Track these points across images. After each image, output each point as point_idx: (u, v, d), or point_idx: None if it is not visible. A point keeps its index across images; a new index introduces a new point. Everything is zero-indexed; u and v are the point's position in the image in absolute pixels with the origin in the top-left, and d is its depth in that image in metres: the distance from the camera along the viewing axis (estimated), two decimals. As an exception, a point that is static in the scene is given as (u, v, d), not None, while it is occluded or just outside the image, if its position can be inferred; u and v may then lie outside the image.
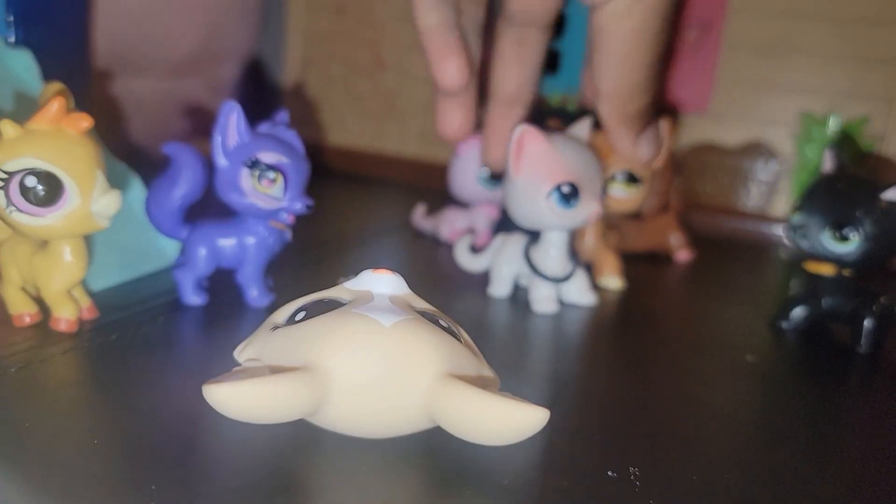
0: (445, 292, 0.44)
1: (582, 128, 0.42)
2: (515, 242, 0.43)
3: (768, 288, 0.54)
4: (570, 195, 0.39)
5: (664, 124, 0.45)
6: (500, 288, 0.44)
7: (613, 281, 0.47)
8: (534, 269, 0.42)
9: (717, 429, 0.30)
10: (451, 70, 0.39)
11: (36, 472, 0.23)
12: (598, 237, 0.48)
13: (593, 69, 0.37)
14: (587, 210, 0.39)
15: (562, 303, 0.43)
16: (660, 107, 0.67)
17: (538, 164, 0.39)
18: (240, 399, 0.23)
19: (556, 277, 0.42)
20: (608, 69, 0.35)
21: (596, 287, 0.46)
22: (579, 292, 0.43)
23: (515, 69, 0.40)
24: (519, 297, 0.44)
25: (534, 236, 0.43)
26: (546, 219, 0.40)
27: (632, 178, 0.46)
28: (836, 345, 0.41)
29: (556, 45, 0.69)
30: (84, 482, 0.22)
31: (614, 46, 0.34)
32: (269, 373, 0.23)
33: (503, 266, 0.44)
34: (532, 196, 0.39)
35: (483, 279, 0.45)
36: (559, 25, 0.69)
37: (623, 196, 0.47)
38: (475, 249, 0.49)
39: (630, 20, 0.33)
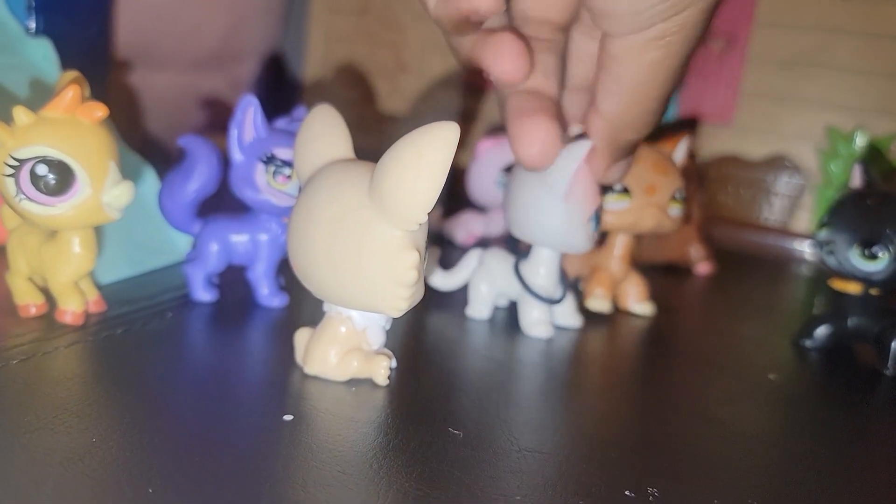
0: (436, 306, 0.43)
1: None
2: (496, 260, 0.40)
3: (790, 304, 0.53)
4: (598, 219, 0.37)
5: (682, 144, 0.44)
6: (479, 309, 0.40)
7: (642, 307, 0.45)
8: (528, 289, 0.38)
9: (739, 449, 0.29)
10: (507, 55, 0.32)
11: (32, 468, 0.22)
12: (626, 258, 0.45)
13: (596, 87, 0.34)
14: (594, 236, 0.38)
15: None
16: (681, 118, 0.67)
17: (586, 188, 0.35)
18: None
19: (551, 299, 0.39)
20: (614, 95, 0.32)
21: (626, 312, 0.45)
22: (567, 314, 0.40)
23: (539, 57, 0.37)
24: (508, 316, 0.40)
25: (523, 254, 0.39)
26: (580, 241, 0.36)
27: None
28: (861, 366, 0.39)
29: None
30: (80, 481, 0.22)
31: (626, 76, 0.32)
32: None
33: (482, 285, 0.40)
34: (576, 218, 0.36)
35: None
36: None
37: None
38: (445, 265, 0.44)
39: (648, 54, 0.31)
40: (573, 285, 0.41)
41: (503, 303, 0.42)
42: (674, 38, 0.29)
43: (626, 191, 0.42)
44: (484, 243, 0.46)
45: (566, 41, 0.35)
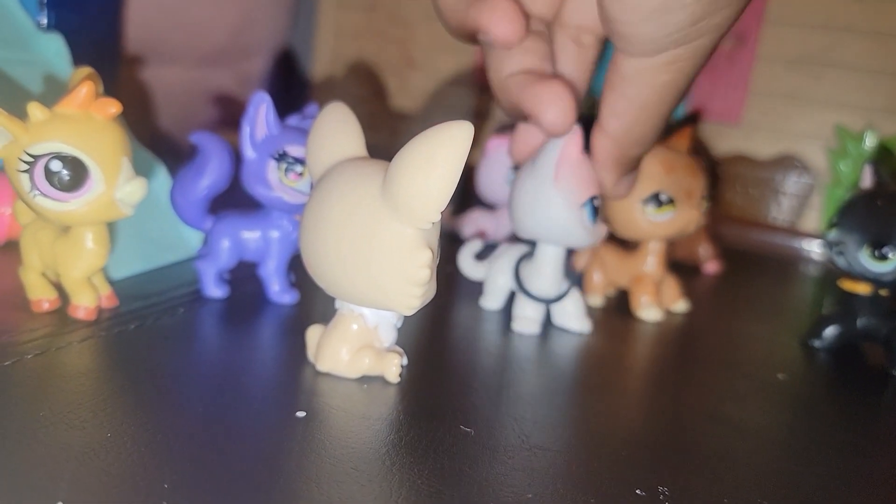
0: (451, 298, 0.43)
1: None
2: (513, 253, 0.41)
3: (798, 304, 0.53)
4: (598, 209, 0.36)
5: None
6: (493, 300, 0.41)
7: (678, 305, 0.46)
8: (521, 285, 0.39)
9: (748, 449, 0.29)
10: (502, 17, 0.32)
11: (47, 463, 0.22)
12: (661, 261, 0.45)
13: (602, 105, 0.34)
14: (601, 229, 0.37)
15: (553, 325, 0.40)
16: (688, 116, 0.67)
17: (575, 173, 0.36)
18: None
19: (545, 297, 0.39)
20: (621, 113, 0.33)
21: (665, 312, 0.45)
22: (574, 318, 0.39)
23: (570, 66, 0.38)
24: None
25: (528, 252, 0.40)
26: (576, 230, 0.36)
27: (670, 201, 0.42)
28: (870, 366, 0.39)
29: None
30: (94, 477, 0.22)
31: (635, 95, 0.32)
32: None
33: (499, 277, 0.41)
34: (565, 206, 0.36)
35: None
36: None
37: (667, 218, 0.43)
38: (481, 256, 0.46)
39: (660, 77, 0.31)
40: (577, 283, 0.40)
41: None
42: (685, 63, 0.30)
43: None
44: (461, 243, 0.46)
45: (601, 47, 0.36)
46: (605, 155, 0.35)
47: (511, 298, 0.41)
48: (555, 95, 0.33)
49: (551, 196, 0.36)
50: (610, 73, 0.32)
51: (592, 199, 0.36)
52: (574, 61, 0.37)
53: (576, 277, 0.40)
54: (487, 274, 0.42)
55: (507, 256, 0.41)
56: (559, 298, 0.39)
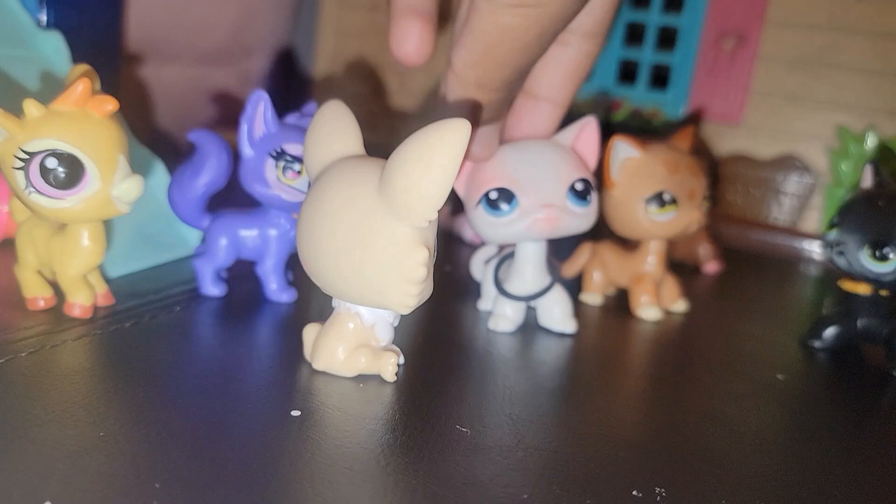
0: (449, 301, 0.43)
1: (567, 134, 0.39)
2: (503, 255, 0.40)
3: (798, 304, 0.53)
4: (497, 200, 0.36)
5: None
6: (489, 302, 0.41)
7: (678, 305, 0.45)
8: (498, 285, 0.38)
9: (747, 450, 0.29)
10: None
11: (39, 461, 0.22)
12: (662, 261, 0.45)
13: (455, 38, 0.33)
14: (525, 220, 0.36)
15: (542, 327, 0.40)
16: (689, 116, 0.66)
17: (468, 174, 0.37)
18: None
19: (524, 296, 0.38)
20: (465, 48, 0.31)
21: (665, 312, 0.45)
22: (560, 319, 0.39)
23: (550, 67, 0.38)
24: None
25: (509, 254, 0.40)
26: (479, 227, 0.37)
27: (673, 201, 0.42)
28: (870, 367, 0.39)
29: (667, 59, 0.68)
30: (86, 475, 0.22)
31: (478, 32, 0.31)
32: None
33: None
34: (467, 207, 0.37)
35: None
36: (671, 39, 0.67)
37: (669, 218, 0.42)
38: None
39: (504, 18, 0.30)
40: (560, 280, 0.40)
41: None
42: (531, 10, 0.29)
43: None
44: (460, 242, 0.46)
45: None
46: (449, 92, 0.34)
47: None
48: (409, 29, 0.33)
49: (470, 209, 0.37)
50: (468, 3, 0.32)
51: (487, 192, 0.36)
52: (558, 62, 0.36)
53: (558, 274, 0.39)
54: (483, 276, 0.41)
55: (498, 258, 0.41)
56: (539, 295, 0.38)
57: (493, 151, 0.37)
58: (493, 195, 0.36)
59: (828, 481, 0.27)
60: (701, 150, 0.67)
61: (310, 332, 0.32)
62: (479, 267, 0.44)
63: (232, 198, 0.38)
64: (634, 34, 0.68)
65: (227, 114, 0.74)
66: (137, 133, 0.45)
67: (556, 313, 0.39)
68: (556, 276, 0.39)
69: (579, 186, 0.36)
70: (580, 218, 0.36)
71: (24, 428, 0.24)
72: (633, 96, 0.69)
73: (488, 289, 0.41)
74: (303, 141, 0.35)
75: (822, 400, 0.35)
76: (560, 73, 0.38)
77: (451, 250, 0.53)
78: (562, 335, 0.39)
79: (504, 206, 0.36)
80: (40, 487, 0.21)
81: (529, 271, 0.38)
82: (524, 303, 0.39)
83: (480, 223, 0.37)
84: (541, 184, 0.36)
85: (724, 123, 0.67)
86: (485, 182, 0.36)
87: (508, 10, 0.29)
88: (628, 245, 0.46)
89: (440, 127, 0.26)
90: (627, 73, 0.69)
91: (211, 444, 0.24)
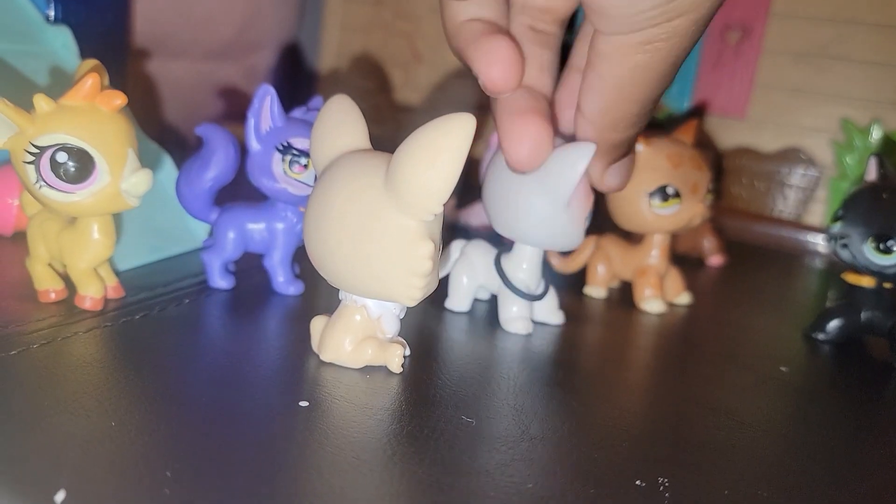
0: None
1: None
2: (478, 252, 0.39)
3: (802, 297, 0.53)
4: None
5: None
6: (459, 301, 0.40)
7: (681, 298, 0.46)
8: (508, 283, 0.37)
9: (749, 440, 0.29)
10: (498, 65, 0.32)
11: (52, 450, 0.22)
12: (665, 254, 0.45)
13: (582, 86, 0.32)
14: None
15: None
16: (693, 109, 0.67)
17: (584, 189, 0.35)
18: None
19: (531, 294, 0.38)
20: (596, 94, 0.31)
21: (669, 304, 0.45)
22: (548, 311, 0.39)
23: (535, 50, 0.35)
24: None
25: (505, 248, 0.39)
26: (573, 241, 0.36)
27: (676, 194, 0.42)
28: (873, 359, 0.39)
29: None
30: (98, 465, 0.22)
31: (610, 76, 0.30)
32: None
33: (463, 277, 0.39)
34: (576, 221, 0.35)
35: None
36: None
37: (671, 212, 0.43)
38: None
39: (634, 57, 0.29)
40: (554, 281, 0.40)
41: (484, 295, 0.41)
42: (662, 44, 0.29)
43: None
44: (467, 234, 0.44)
45: (563, 35, 0.35)
46: (585, 136, 0.34)
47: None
48: (501, 53, 0.31)
49: (562, 216, 0.35)
50: (589, 50, 0.31)
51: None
52: (531, 48, 0.36)
53: (552, 273, 0.39)
54: (452, 274, 0.40)
55: (471, 255, 0.39)
56: (544, 295, 0.38)
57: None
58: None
59: (831, 473, 0.27)
60: (705, 144, 0.67)
61: (317, 324, 0.32)
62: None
63: (239, 191, 0.38)
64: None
65: (234, 108, 0.74)
66: (146, 127, 0.45)
67: (548, 307, 0.39)
68: (551, 275, 0.39)
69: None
70: None
71: (36, 418, 0.24)
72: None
73: (457, 287, 0.40)
74: (309, 135, 0.35)
75: (825, 392, 0.35)
76: (545, 57, 0.37)
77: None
78: (568, 327, 0.39)
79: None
80: (53, 476, 0.21)
81: (525, 268, 0.38)
82: (529, 301, 0.38)
83: (578, 235, 0.36)
84: None
85: (728, 116, 0.67)
86: (589, 197, 0.35)
87: (640, 49, 0.29)
88: (632, 238, 0.46)
89: (446, 121, 0.26)
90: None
91: (220, 434, 0.24)
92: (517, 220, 0.35)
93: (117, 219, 0.34)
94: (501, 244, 0.39)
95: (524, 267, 0.37)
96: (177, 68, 0.69)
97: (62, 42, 0.45)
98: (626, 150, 0.34)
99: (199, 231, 0.44)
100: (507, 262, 0.38)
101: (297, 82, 0.83)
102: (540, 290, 0.38)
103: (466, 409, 0.28)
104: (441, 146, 0.26)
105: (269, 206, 0.38)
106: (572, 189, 0.34)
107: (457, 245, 0.40)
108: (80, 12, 0.50)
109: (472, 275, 0.39)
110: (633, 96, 0.31)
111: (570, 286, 0.45)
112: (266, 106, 0.36)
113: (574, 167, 0.33)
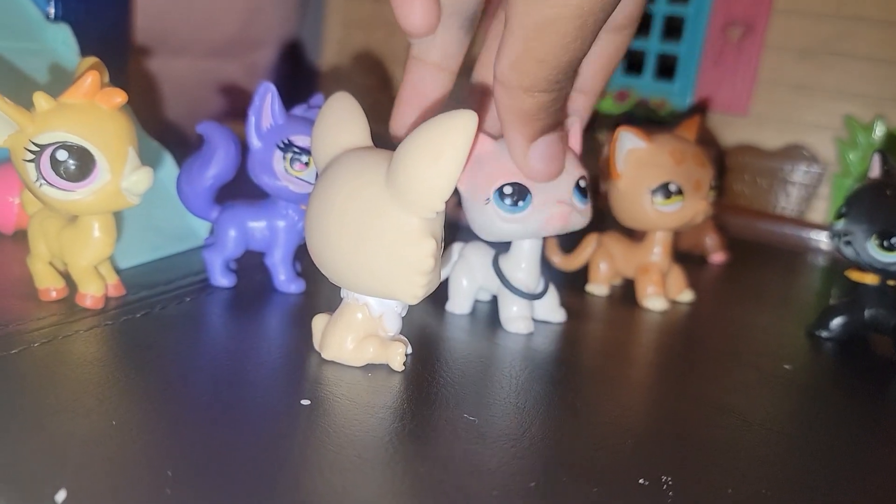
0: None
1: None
2: (476, 253, 0.39)
3: (805, 294, 0.53)
4: (512, 195, 0.34)
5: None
6: (459, 304, 0.39)
7: (684, 295, 0.46)
8: (507, 284, 0.37)
9: (753, 439, 0.29)
10: None
11: (53, 449, 0.22)
12: (668, 251, 0.45)
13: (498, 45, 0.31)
14: (540, 216, 0.34)
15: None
16: (695, 106, 0.66)
17: (475, 169, 0.35)
18: None
19: (531, 294, 0.37)
20: (506, 47, 0.30)
21: (672, 302, 0.45)
22: (549, 309, 0.39)
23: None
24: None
25: (502, 248, 0.38)
26: (485, 223, 0.35)
27: (679, 191, 0.42)
28: (877, 356, 0.39)
29: (673, 49, 0.68)
30: (98, 464, 0.22)
31: (518, 26, 0.29)
32: None
33: (462, 279, 0.39)
34: (473, 202, 0.35)
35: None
36: (677, 28, 0.67)
37: (675, 209, 0.42)
38: None
39: (544, 11, 0.28)
40: (553, 279, 0.39)
41: (485, 297, 0.41)
42: (568, 3, 0.28)
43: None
44: (469, 232, 0.44)
45: None
46: (502, 107, 0.32)
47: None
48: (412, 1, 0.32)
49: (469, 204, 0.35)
50: (503, 2, 0.31)
51: (502, 187, 0.34)
52: (590, 54, 0.35)
53: (551, 271, 0.39)
54: (451, 276, 0.40)
55: (470, 257, 0.39)
56: (544, 293, 0.38)
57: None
58: (508, 190, 0.34)
59: (834, 471, 0.27)
60: (707, 141, 0.67)
61: (319, 322, 0.32)
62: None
63: (240, 189, 0.38)
64: (640, 24, 0.68)
65: (235, 106, 0.74)
66: (146, 125, 0.45)
67: (549, 305, 0.39)
68: (549, 275, 0.39)
69: (582, 183, 0.36)
70: (583, 215, 0.36)
71: (37, 417, 0.24)
72: (639, 86, 0.69)
73: (456, 289, 0.39)
74: (310, 133, 0.35)
75: (829, 390, 0.35)
76: (592, 65, 0.38)
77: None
78: (570, 325, 0.39)
79: (519, 202, 0.34)
80: (54, 475, 0.21)
81: (524, 267, 0.37)
82: (528, 300, 0.38)
83: (488, 219, 0.35)
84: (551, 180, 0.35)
85: (730, 113, 0.67)
86: (495, 177, 0.34)
87: (547, 3, 0.28)
88: (634, 236, 0.46)
89: (447, 118, 0.26)
90: (634, 63, 0.69)
91: (221, 433, 0.24)
92: (476, 225, 0.36)
93: (118, 217, 0.34)
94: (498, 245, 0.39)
95: (522, 266, 0.37)
96: (178, 66, 0.68)
97: (62, 40, 0.45)
98: (544, 124, 0.33)
99: (200, 229, 0.44)
100: (506, 263, 0.38)
101: (299, 80, 0.83)
102: (540, 289, 0.38)
103: (468, 407, 0.28)
104: (443, 144, 0.26)
105: (271, 204, 0.38)
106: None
107: (455, 248, 0.40)
108: (81, 10, 0.50)
109: (471, 277, 0.39)
110: (539, 54, 0.30)
111: (571, 284, 0.45)
112: (267, 103, 0.36)
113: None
